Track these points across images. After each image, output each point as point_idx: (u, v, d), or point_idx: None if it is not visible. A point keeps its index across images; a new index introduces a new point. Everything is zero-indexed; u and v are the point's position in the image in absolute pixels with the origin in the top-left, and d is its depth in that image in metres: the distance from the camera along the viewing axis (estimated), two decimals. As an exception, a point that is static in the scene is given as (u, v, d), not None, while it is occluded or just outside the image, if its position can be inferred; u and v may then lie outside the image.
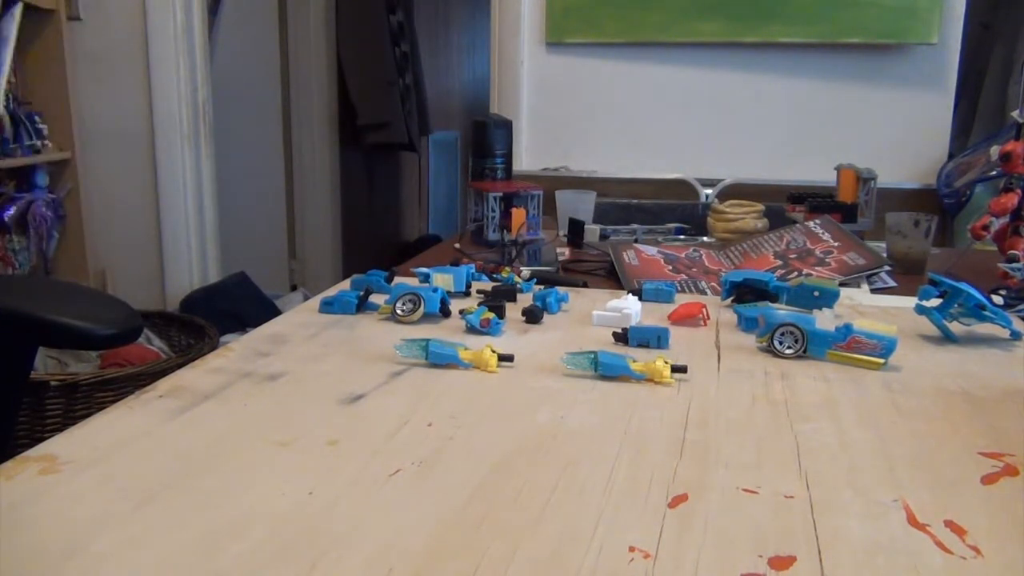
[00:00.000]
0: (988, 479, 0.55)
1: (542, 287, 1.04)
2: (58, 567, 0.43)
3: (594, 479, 0.53)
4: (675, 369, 0.73)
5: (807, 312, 0.86)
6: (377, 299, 0.97)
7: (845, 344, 0.79)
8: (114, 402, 0.66)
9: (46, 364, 2.05)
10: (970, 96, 2.91)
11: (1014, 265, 1.19)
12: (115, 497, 0.50)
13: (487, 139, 1.71)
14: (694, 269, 1.32)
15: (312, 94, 3.59)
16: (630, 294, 0.99)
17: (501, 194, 1.50)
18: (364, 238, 4.02)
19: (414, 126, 3.92)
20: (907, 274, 1.32)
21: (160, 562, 0.43)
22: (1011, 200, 1.24)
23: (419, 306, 0.91)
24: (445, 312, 0.93)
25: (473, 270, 1.10)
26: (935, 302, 0.90)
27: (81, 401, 1.79)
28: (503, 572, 0.43)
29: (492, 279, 1.14)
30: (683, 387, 0.72)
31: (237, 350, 0.80)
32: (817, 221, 1.45)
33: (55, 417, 1.77)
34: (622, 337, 0.85)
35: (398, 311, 0.91)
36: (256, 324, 0.93)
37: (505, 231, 1.48)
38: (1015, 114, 1.28)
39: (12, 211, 2.36)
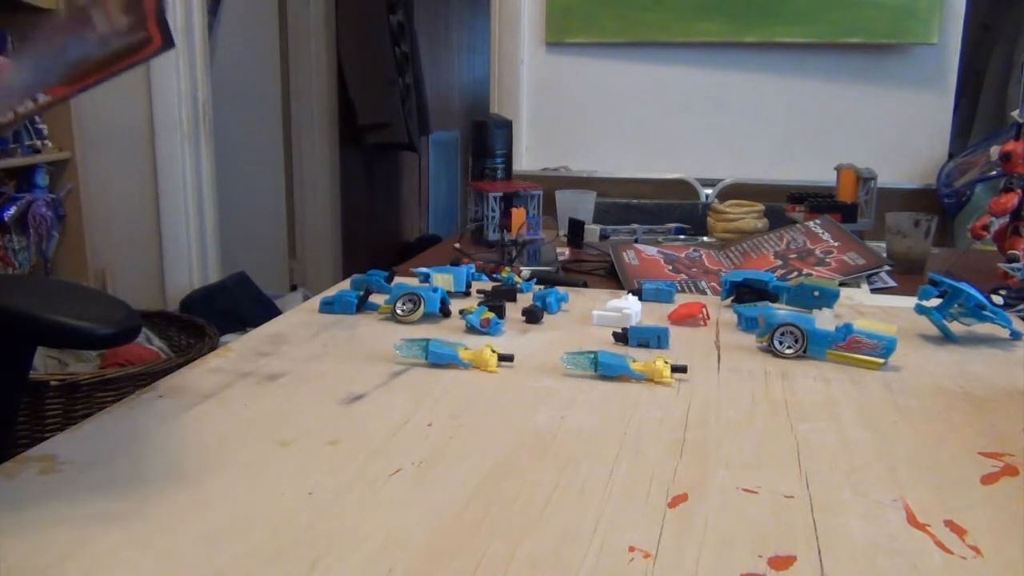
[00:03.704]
0: (988, 479, 0.55)
1: (542, 287, 1.04)
2: (58, 567, 0.43)
3: (594, 479, 0.53)
4: (675, 369, 0.73)
5: (807, 312, 0.86)
6: (377, 299, 0.97)
7: (845, 344, 0.79)
8: (114, 402, 0.66)
9: (46, 364, 2.05)
10: (970, 96, 2.91)
11: (1014, 265, 1.19)
12: (115, 497, 0.50)
13: (487, 139, 1.71)
14: (694, 269, 1.32)
15: (312, 94, 3.59)
16: (630, 294, 0.99)
17: (501, 194, 1.50)
18: (364, 238, 4.02)
19: (414, 126, 3.92)
20: (907, 274, 1.31)
21: (160, 562, 0.43)
22: (1011, 200, 1.24)
23: (419, 306, 0.91)
24: (445, 312, 0.93)
25: (473, 270, 1.10)
26: (935, 302, 0.90)
27: (81, 401, 1.79)
28: (503, 572, 0.43)
29: (492, 279, 1.14)
30: (683, 387, 0.72)
31: (237, 350, 0.80)
32: (817, 221, 1.45)
33: (55, 417, 1.77)
34: (622, 337, 0.85)
35: (398, 311, 0.91)
36: (256, 324, 0.93)
37: (505, 231, 1.48)
38: (1015, 114, 1.28)
39: (12, 211, 2.36)
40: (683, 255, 1.39)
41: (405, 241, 4.52)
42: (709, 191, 2.55)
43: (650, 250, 1.39)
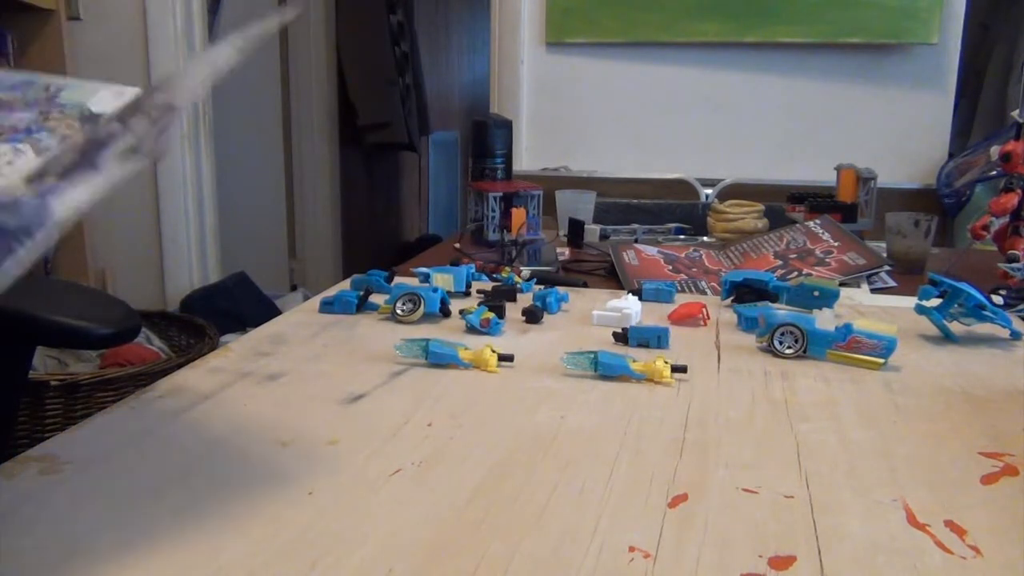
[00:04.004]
0: (988, 479, 0.55)
1: (542, 287, 1.04)
2: (58, 567, 0.43)
3: (594, 479, 0.53)
4: (675, 369, 0.73)
5: (807, 312, 0.86)
6: (377, 299, 0.97)
7: (845, 344, 0.79)
8: (114, 402, 0.66)
9: (46, 364, 2.05)
10: (970, 96, 2.91)
11: (1014, 265, 1.19)
12: (115, 497, 0.50)
13: (487, 139, 1.71)
14: (694, 269, 1.32)
15: (312, 94, 3.59)
16: (630, 294, 0.99)
17: (501, 194, 1.50)
18: (364, 238, 4.02)
19: (414, 126, 3.92)
20: (907, 274, 1.32)
21: (160, 562, 0.43)
22: (1011, 200, 1.24)
23: (419, 306, 0.91)
24: (445, 312, 0.93)
25: (473, 270, 1.10)
26: (935, 302, 0.90)
27: (81, 401, 1.79)
28: (503, 572, 0.43)
29: (492, 279, 1.14)
30: (683, 387, 0.72)
31: (237, 350, 0.80)
32: (817, 221, 1.45)
33: (55, 417, 1.77)
34: (622, 337, 0.85)
35: (398, 311, 0.91)
36: (256, 324, 0.93)
37: (505, 231, 1.48)
38: (1015, 114, 1.28)
39: (12, 211, 2.36)
40: (683, 255, 1.39)
41: (405, 241, 4.52)
42: (709, 191, 2.56)
43: (650, 250, 1.39)
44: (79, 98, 0.55)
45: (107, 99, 0.55)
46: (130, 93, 0.57)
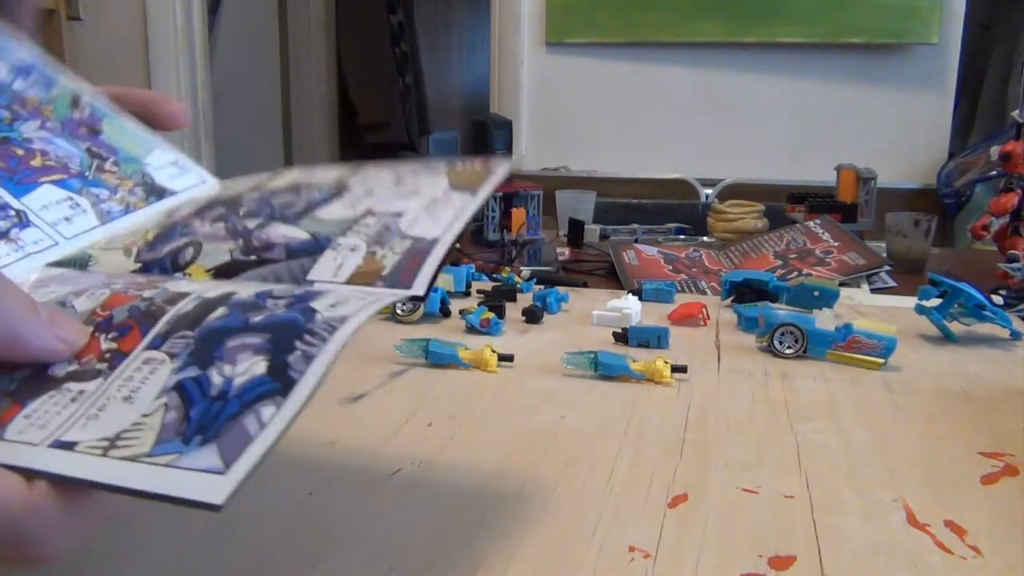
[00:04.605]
0: (988, 479, 0.55)
1: (542, 287, 1.04)
2: (58, 567, 0.43)
3: (594, 479, 0.53)
4: (675, 369, 0.73)
5: (807, 312, 0.86)
6: (377, 299, 0.97)
7: (845, 344, 0.79)
8: (114, 402, 0.66)
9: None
10: (970, 96, 2.91)
11: (1014, 265, 1.19)
12: (115, 497, 0.50)
13: (487, 139, 1.71)
14: (694, 269, 1.32)
15: (312, 94, 3.59)
16: (630, 294, 0.99)
17: (501, 194, 1.50)
18: (364, 238, 4.01)
19: (414, 126, 3.92)
20: (907, 274, 1.32)
21: (160, 562, 0.43)
22: (1011, 200, 1.24)
23: (419, 306, 0.91)
24: (445, 312, 0.93)
25: (473, 270, 1.10)
26: (935, 302, 0.90)
27: (81, 401, 1.79)
28: (503, 572, 0.43)
29: (492, 279, 1.14)
30: (683, 387, 0.72)
31: (237, 350, 0.80)
32: (817, 221, 1.45)
33: (55, 417, 1.77)
34: (622, 337, 0.85)
35: (398, 311, 0.91)
36: (256, 324, 0.93)
37: (505, 231, 1.48)
38: (1015, 114, 1.27)
39: (12, 211, 2.36)
40: (683, 255, 1.39)
41: (405, 241, 4.52)
42: (709, 191, 2.56)
43: (650, 250, 1.39)
44: (131, 151, 0.49)
45: (165, 164, 0.50)
46: (196, 175, 0.51)
